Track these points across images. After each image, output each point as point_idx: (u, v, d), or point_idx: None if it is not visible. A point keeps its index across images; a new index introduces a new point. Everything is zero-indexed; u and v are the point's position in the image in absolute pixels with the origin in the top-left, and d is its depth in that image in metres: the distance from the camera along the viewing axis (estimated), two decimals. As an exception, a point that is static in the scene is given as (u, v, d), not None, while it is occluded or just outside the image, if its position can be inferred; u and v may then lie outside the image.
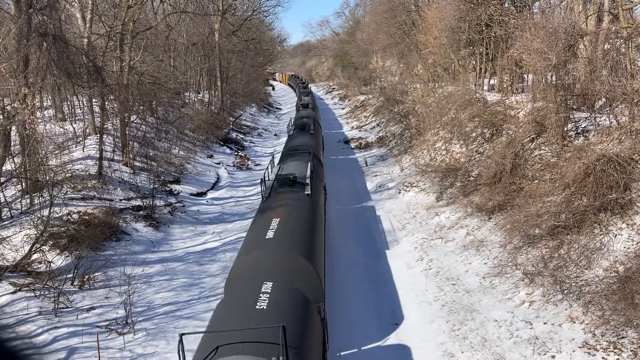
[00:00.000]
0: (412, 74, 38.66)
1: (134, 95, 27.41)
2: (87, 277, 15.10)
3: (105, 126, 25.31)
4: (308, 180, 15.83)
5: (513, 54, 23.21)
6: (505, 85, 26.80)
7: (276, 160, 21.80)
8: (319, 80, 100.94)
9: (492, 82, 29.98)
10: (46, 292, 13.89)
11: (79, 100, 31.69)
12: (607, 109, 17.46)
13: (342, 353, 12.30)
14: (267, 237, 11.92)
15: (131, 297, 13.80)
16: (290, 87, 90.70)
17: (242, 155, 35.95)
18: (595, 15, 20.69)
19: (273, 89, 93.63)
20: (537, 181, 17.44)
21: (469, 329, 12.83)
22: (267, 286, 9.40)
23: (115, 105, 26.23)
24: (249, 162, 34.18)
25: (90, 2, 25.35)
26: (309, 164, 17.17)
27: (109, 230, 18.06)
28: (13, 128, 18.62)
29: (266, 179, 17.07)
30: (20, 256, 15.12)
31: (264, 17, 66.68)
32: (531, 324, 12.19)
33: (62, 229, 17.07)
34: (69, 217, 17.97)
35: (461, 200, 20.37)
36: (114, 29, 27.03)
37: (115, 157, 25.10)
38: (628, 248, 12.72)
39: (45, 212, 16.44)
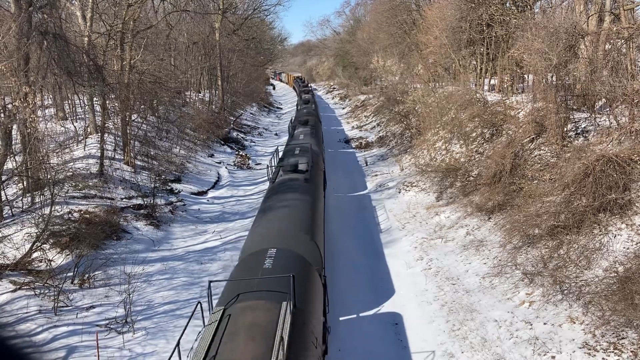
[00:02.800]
0: (412, 73, 38.66)
1: (134, 94, 27.43)
2: (87, 275, 15.12)
3: (106, 125, 25.32)
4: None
5: (514, 54, 23.19)
6: (505, 86, 26.79)
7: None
8: (320, 79, 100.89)
9: (492, 82, 29.97)
10: (46, 291, 13.91)
11: (79, 99, 31.73)
12: (607, 109, 17.46)
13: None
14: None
15: (131, 296, 13.82)
16: (295, 92, 76.53)
17: (243, 154, 35.95)
18: (597, 15, 20.68)
19: (274, 88, 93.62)
20: (536, 181, 17.45)
21: (469, 329, 12.84)
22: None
23: (116, 104, 26.24)
24: (250, 162, 34.19)
25: (90, 0, 25.36)
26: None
27: (109, 229, 18.08)
28: (14, 127, 18.64)
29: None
30: (21, 254, 15.14)
31: (265, 16, 66.64)
32: (531, 324, 12.20)
33: (63, 227, 17.09)
34: (69, 215, 17.99)
35: (461, 200, 20.38)
36: (114, 27, 27.04)
37: (116, 156, 25.12)
38: (627, 248, 12.73)
39: (46, 211, 16.47)
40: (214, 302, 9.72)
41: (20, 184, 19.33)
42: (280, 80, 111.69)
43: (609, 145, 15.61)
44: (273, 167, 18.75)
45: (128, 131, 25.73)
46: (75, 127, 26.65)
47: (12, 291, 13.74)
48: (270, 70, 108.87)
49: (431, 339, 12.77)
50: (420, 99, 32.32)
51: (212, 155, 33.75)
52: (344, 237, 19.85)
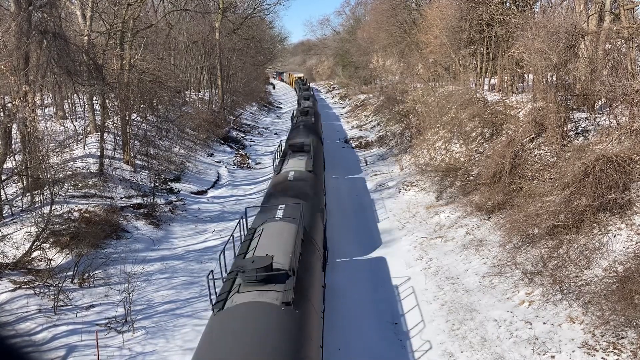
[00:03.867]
0: (412, 73, 38.65)
1: (134, 94, 27.42)
2: (87, 275, 15.12)
3: (106, 124, 25.31)
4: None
5: (514, 53, 23.19)
6: (505, 85, 26.79)
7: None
8: (320, 79, 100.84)
9: (492, 81, 29.97)
10: (46, 290, 13.91)
11: (79, 98, 31.72)
12: (607, 109, 17.46)
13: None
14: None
15: (131, 295, 13.82)
16: (296, 96, 63.72)
17: (243, 154, 35.95)
18: (597, 15, 20.67)
19: (274, 87, 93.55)
20: (536, 181, 17.45)
21: (469, 328, 12.84)
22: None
23: (115, 104, 26.23)
24: (250, 161, 34.19)
25: (90, -1, 25.36)
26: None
27: (109, 228, 18.09)
28: (14, 126, 18.63)
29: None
30: (21, 254, 15.14)
31: (265, 15, 66.64)
32: (531, 324, 12.21)
33: (63, 226, 17.09)
34: (69, 215, 17.99)
35: (461, 200, 20.38)
36: (114, 26, 27.02)
37: (116, 155, 25.11)
38: (627, 248, 12.73)
39: (46, 210, 16.47)
40: None
41: (20, 183, 19.32)
42: (282, 80, 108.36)
43: (609, 145, 15.61)
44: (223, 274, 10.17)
45: (128, 130, 25.72)
46: (75, 126, 26.65)
47: (11, 290, 13.74)
48: (271, 69, 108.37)
49: (431, 338, 12.77)
50: (420, 99, 32.32)
51: (211, 155, 33.75)
52: (344, 237, 19.86)
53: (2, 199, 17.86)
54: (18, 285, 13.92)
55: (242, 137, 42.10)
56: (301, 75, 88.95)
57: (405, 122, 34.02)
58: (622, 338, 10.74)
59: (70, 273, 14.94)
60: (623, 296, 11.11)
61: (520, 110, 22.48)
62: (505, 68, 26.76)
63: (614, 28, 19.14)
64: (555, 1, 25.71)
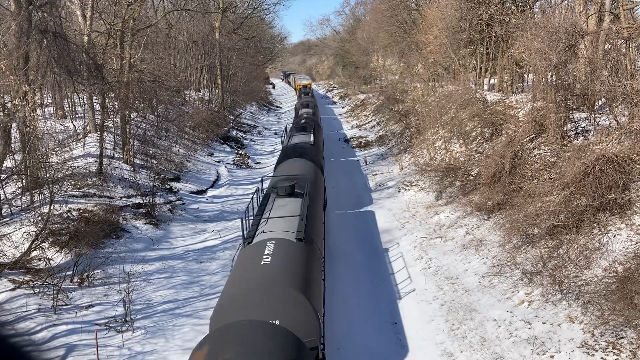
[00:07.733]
0: (412, 73, 38.66)
1: (134, 93, 27.40)
2: (86, 274, 15.11)
3: (106, 124, 25.30)
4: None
5: (513, 53, 23.20)
6: (505, 85, 26.80)
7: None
8: (320, 78, 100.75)
9: (492, 81, 29.97)
10: (45, 290, 13.90)
11: (79, 98, 31.69)
12: (607, 109, 17.47)
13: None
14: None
15: (130, 294, 13.82)
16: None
17: (242, 153, 35.95)
18: (596, 15, 20.67)
19: (273, 87, 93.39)
20: (536, 181, 17.45)
21: (468, 328, 12.84)
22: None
23: (115, 103, 26.23)
24: (249, 161, 34.18)
25: (90, -1, 25.34)
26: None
27: (108, 228, 18.08)
28: (14, 125, 18.63)
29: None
30: (20, 253, 15.13)
31: (265, 15, 66.61)
32: (530, 324, 12.21)
33: (62, 226, 17.08)
34: (69, 214, 17.98)
35: (460, 200, 20.38)
36: (114, 26, 27.02)
37: (116, 155, 25.11)
38: (627, 248, 12.74)
39: (46, 209, 16.46)
40: None
41: (20, 183, 19.31)
42: (288, 83, 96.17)
43: (609, 145, 15.61)
44: None
45: (127, 130, 25.71)
46: (74, 125, 26.65)
47: (11, 290, 13.73)
48: (272, 69, 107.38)
49: (430, 338, 12.78)
50: (420, 98, 32.34)
51: (211, 154, 33.74)
52: (344, 236, 19.85)
53: (2, 198, 17.85)
54: (17, 285, 13.92)
55: (241, 136, 42.10)
56: (307, 82, 68.83)
57: (405, 121, 34.02)
58: (622, 338, 10.75)
59: (70, 272, 14.93)
60: (623, 296, 11.12)
61: (520, 110, 22.49)
62: (505, 68, 26.76)
63: (614, 28, 19.14)
64: (555, 1, 25.72)
